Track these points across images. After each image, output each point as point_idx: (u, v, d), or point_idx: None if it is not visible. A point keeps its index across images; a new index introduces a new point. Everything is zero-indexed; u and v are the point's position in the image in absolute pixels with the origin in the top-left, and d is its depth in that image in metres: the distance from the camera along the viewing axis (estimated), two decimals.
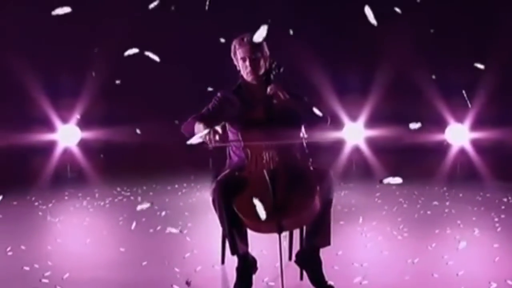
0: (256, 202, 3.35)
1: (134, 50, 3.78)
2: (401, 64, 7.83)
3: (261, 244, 4.31)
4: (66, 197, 6.90)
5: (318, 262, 3.88)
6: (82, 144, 8.17)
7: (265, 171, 3.72)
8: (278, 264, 4.04)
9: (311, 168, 3.88)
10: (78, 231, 5.48)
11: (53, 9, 7.25)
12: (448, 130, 8.19)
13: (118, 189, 7.32)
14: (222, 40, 4.66)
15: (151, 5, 3.91)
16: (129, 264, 4.39)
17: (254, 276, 3.88)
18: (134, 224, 4.59)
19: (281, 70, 4.07)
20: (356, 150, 8.62)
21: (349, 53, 8.16)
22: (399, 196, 7.04)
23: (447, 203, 6.62)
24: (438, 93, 7.90)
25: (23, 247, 4.77)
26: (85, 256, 4.67)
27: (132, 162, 8.09)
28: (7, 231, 5.44)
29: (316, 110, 3.94)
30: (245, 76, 4.00)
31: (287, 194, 3.63)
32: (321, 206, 3.73)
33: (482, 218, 5.95)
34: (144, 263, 4.40)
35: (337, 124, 8.49)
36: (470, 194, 7.09)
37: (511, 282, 3.96)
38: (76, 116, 7.64)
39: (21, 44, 7.26)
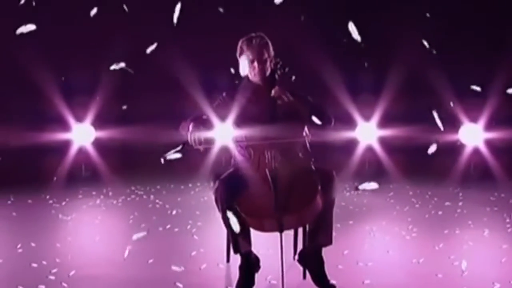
0: (230, 215, 3.39)
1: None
2: (414, 63, 7.78)
3: (266, 243, 4.33)
4: (80, 196, 6.98)
5: (321, 261, 3.90)
6: (97, 143, 8.25)
7: (267, 170, 3.75)
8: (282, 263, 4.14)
9: (313, 167, 3.89)
10: (88, 229, 5.55)
11: (71, 7, 7.38)
12: (462, 130, 8.12)
13: (133, 187, 7.38)
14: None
15: (148, 49, 4.00)
16: (136, 262, 4.43)
17: (257, 275, 3.91)
18: (127, 251, 4.58)
19: (286, 70, 4.09)
20: (369, 149, 8.59)
21: (362, 52, 8.11)
22: (412, 196, 7.01)
23: (460, 204, 6.57)
24: (452, 93, 7.82)
25: (33, 244, 4.85)
26: (93, 253, 4.73)
27: (148, 161, 8.12)
28: (19, 229, 5.54)
29: (320, 111, 3.97)
30: (251, 77, 4.02)
31: (288, 193, 3.66)
32: (323, 206, 3.75)
33: (494, 218, 5.90)
34: (151, 261, 4.45)
35: (350, 123, 8.46)
36: (484, 195, 7.02)
37: None
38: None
39: (36, 43, 7.32)
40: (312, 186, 3.69)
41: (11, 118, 7.51)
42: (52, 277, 4.05)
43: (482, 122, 8.04)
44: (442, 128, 3.62)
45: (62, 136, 7.95)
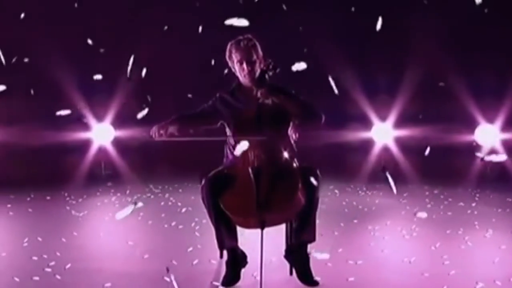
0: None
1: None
2: (430, 63, 7.75)
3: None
4: (98, 193, 7.19)
5: (305, 258, 3.97)
6: (116, 142, 8.46)
7: (250, 169, 3.84)
8: (272, 259, 4.23)
9: (296, 166, 3.95)
10: (96, 225, 5.74)
11: (88, 7, 7.56)
12: (478, 131, 8.04)
13: (151, 186, 7.56)
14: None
15: (139, 115, 4.17)
16: (133, 256, 4.60)
17: (243, 270, 4.00)
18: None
19: (277, 70, 4.15)
20: (385, 150, 8.58)
21: (378, 53, 8.14)
22: (427, 196, 6.99)
23: (473, 205, 6.53)
24: (468, 93, 7.76)
25: (39, 239, 5.05)
26: (94, 248, 4.90)
27: (167, 160, 8.30)
28: (31, 224, 5.76)
29: (309, 109, 4.03)
30: (241, 78, 4.11)
31: (269, 191, 3.73)
32: (306, 203, 3.82)
33: (503, 220, 5.88)
34: (146, 256, 4.58)
35: (366, 124, 8.48)
36: (500, 196, 6.97)
37: (500, 283, 3.93)
38: None
39: (56, 43, 7.56)
40: (292, 184, 3.76)
41: (33, 118, 7.74)
42: (49, 270, 4.22)
43: (498, 122, 7.95)
44: (395, 191, 3.63)
45: (83, 135, 8.18)
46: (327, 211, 6.31)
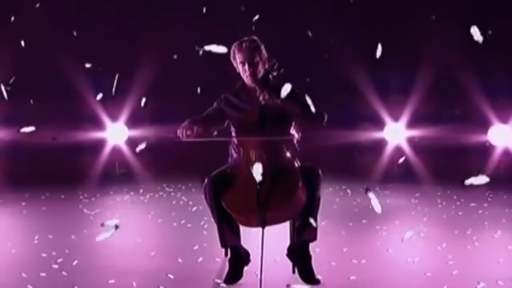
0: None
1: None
2: (444, 63, 7.72)
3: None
4: (111, 192, 7.27)
5: (307, 256, 4.00)
6: (130, 142, 8.55)
7: (251, 168, 3.88)
8: (276, 258, 4.27)
9: (298, 165, 3.99)
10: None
11: (103, 7, 7.66)
12: (491, 131, 7.99)
13: (164, 185, 7.63)
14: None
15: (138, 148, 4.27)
16: (139, 254, 4.67)
17: (246, 268, 4.05)
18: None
19: (282, 71, 4.18)
20: (398, 150, 8.57)
21: (391, 52, 8.11)
22: (439, 197, 6.97)
23: (485, 205, 6.49)
24: (481, 93, 7.72)
25: (50, 236, 5.14)
26: (102, 245, 4.90)
27: (182, 160, 8.36)
28: (43, 222, 5.86)
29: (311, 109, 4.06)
30: (244, 79, 4.15)
31: (270, 191, 3.78)
32: (307, 202, 3.86)
33: None
34: (152, 253, 4.65)
35: (378, 124, 8.47)
36: None
37: (502, 282, 3.93)
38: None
39: (71, 43, 7.65)
40: (293, 183, 3.80)
41: (49, 118, 7.85)
42: (56, 266, 4.30)
43: None
44: (379, 211, 3.64)
45: (97, 135, 8.29)
46: (337, 211, 6.37)
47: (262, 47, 4.13)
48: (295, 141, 4.14)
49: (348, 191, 7.39)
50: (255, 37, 4.15)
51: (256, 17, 3.65)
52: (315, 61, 8.26)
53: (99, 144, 8.43)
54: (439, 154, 8.02)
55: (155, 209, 6.30)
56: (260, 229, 3.74)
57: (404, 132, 8.43)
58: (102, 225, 3.68)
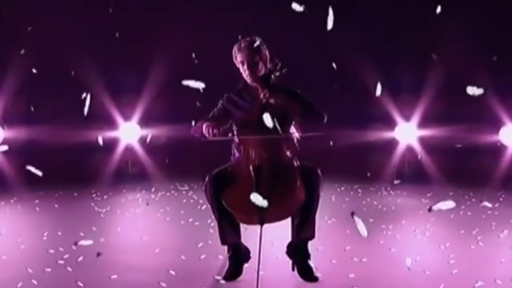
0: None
1: None
2: (455, 63, 7.69)
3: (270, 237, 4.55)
4: (124, 191, 7.38)
5: (306, 254, 4.04)
6: (142, 141, 8.64)
7: (251, 167, 3.94)
8: (278, 255, 4.31)
9: (297, 165, 4.02)
10: (115, 221, 5.89)
11: (117, 7, 7.75)
12: (503, 131, 7.94)
13: (177, 184, 7.71)
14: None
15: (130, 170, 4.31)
16: (144, 251, 4.75)
17: (247, 265, 4.10)
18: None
19: (284, 71, 4.22)
20: (409, 150, 8.57)
21: (402, 52, 8.13)
22: (451, 197, 6.93)
23: (496, 205, 6.46)
24: (493, 93, 7.67)
25: (59, 233, 5.24)
26: (109, 242, 5.03)
27: (197, 159, 8.43)
28: (54, 219, 5.98)
29: (312, 109, 4.10)
30: (245, 78, 4.20)
31: (269, 189, 3.82)
32: (306, 201, 3.91)
33: None
34: (157, 250, 4.72)
35: (389, 123, 8.47)
36: None
37: (501, 282, 3.93)
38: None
39: (83, 42, 7.75)
40: (291, 182, 3.85)
41: (62, 117, 7.98)
42: (61, 262, 4.40)
43: None
44: (365, 235, 3.66)
45: (110, 134, 8.40)
46: (346, 210, 6.39)
47: (264, 47, 4.16)
48: (294, 141, 4.17)
49: (359, 190, 7.41)
50: (256, 38, 4.19)
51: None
52: (327, 62, 8.28)
53: (112, 143, 8.53)
54: (451, 154, 7.99)
55: (165, 207, 6.38)
56: (261, 227, 3.79)
57: (416, 132, 8.41)
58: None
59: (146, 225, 5.70)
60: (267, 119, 3.55)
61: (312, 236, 4.04)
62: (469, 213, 6.15)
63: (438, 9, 4.90)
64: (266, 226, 3.91)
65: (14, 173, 7.83)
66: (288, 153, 4.07)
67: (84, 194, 7.09)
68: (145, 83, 8.33)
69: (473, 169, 7.80)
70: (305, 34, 7.90)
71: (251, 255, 4.17)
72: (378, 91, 4.11)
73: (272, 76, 4.17)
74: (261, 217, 3.78)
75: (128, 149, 8.58)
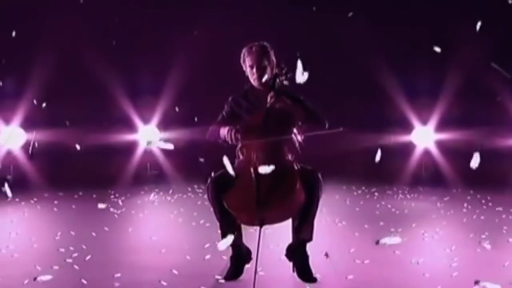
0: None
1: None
2: (472, 66, 7.65)
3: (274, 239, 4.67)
4: (142, 192, 7.51)
5: (304, 256, 4.09)
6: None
7: (251, 169, 4.01)
8: (281, 256, 4.35)
9: (297, 168, 4.07)
10: (128, 221, 6.00)
11: (134, 9, 7.87)
12: None
13: (195, 186, 7.81)
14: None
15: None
16: (150, 250, 4.86)
17: (248, 266, 4.16)
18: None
19: (289, 76, 4.27)
20: (426, 153, 8.53)
21: (419, 56, 8.10)
22: (468, 201, 6.93)
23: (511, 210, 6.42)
24: (511, 96, 7.62)
25: (72, 233, 5.37)
26: (119, 242, 5.17)
27: (214, 161, 8.53)
28: (70, 219, 6.14)
29: (314, 114, 4.15)
30: (252, 81, 4.27)
31: (269, 191, 3.88)
32: (305, 204, 3.96)
33: None
34: (163, 250, 4.82)
35: (406, 127, 8.45)
36: None
37: (500, 285, 3.91)
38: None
39: (102, 46, 7.91)
40: (291, 185, 3.90)
41: (83, 120, 8.15)
42: (70, 260, 4.51)
43: None
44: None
45: (130, 137, 8.55)
46: (358, 213, 6.43)
47: (272, 52, 4.23)
48: (296, 144, 4.22)
49: (376, 194, 7.42)
50: (265, 42, 4.25)
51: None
52: (344, 65, 8.32)
53: (131, 146, 8.67)
54: (469, 157, 7.92)
55: (179, 208, 6.49)
56: (264, 228, 3.82)
57: (433, 135, 8.38)
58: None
59: (157, 226, 5.82)
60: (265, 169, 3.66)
61: (309, 238, 4.08)
62: (482, 217, 6.12)
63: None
64: (271, 228, 3.99)
65: (37, 174, 8.03)
66: (289, 156, 4.13)
67: (103, 195, 7.24)
68: (164, 87, 8.44)
69: (491, 173, 7.72)
70: (323, 37, 7.94)
71: (252, 256, 4.23)
72: (378, 157, 4.25)
73: (277, 80, 4.23)
74: (261, 218, 3.84)
75: (147, 152, 8.72)
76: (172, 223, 5.97)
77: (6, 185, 4.16)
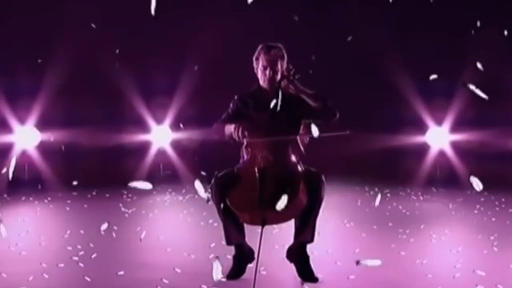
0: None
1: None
2: (488, 65, 7.55)
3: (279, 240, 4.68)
4: (154, 192, 7.54)
5: (305, 257, 4.10)
6: (174, 144, 8.80)
7: (256, 169, 4.03)
8: (284, 256, 4.36)
9: (302, 169, 4.08)
10: (137, 221, 6.02)
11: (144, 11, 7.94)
12: None
13: (208, 186, 7.82)
14: None
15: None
16: (156, 249, 4.90)
17: (250, 265, 4.18)
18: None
19: (297, 77, 4.26)
20: (441, 154, 8.47)
21: (435, 56, 8.05)
22: (481, 202, 6.85)
23: None
24: None
25: (81, 231, 5.43)
26: (125, 241, 5.20)
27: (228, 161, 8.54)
28: (80, 218, 6.18)
29: (325, 107, 4.13)
30: (261, 81, 4.26)
31: (273, 191, 3.89)
32: (308, 206, 3.97)
33: None
34: (169, 249, 4.86)
35: (420, 128, 8.40)
36: None
37: (502, 286, 3.89)
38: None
39: (116, 45, 7.95)
40: (294, 186, 3.91)
41: (96, 121, 8.22)
42: (76, 258, 4.57)
43: None
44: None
45: (142, 137, 8.60)
46: (368, 214, 6.39)
47: (285, 56, 4.23)
48: (301, 145, 4.22)
49: (389, 195, 7.37)
50: (281, 46, 4.25)
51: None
52: (360, 65, 8.30)
53: (144, 146, 8.71)
54: (486, 158, 7.88)
55: (189, 208, 6.52)
56: (266, 227, 3.83)
57: (448, 136, 8.32)
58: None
59: (166, 226, 5.86)
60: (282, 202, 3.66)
61: (310, 240, 4.09)
62: (493, 219, 6.07)
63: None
64: (278, 228, 3.99)
65: (51, 174, 8.11)
66: (293, 157, 4.14)
67: (116, 195, 7.28)
68: (177, 87, 8.47)
69: (508, 174, 7.68)
70: (339, 37, 7.92)
71: (255, 255, 4.23)
72: (377, 201, 4.31)
73: (284, 81, 4.22)
74: (263, 218, 3.85)
75: (160, 152, 8.76)
76: (181, 222, 6.01)
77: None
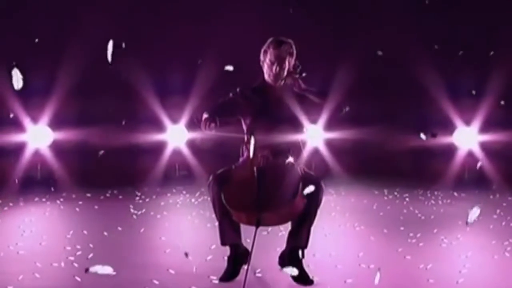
0: None
1: None
2: None
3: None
4: (168, 194, 7.48)
5: (296, 261, 3.93)
6: (189, 143, 8.71)
7: (255, 168, 3.91)
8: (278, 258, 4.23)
9: (301, 173, 3.95)
10: (143, 222, 5.92)
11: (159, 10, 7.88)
12: None
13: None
14: None
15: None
16: (155, 250, 4.82)
17: (245, 266, 4.05)
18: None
19: (303, 75, 4.15)
20: (469, 155, 8.22)
21: (462, 55, 7.82)
22: (503, 207, 6.62)
23: None
24: None
25: (85, 232, 5.37)
26: (127, 242, 5.12)
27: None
28: (87, 219, 6.12)
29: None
30: (266, 76, 4.14)
31: (270, 192, 3.79)
32: (305, 210, 3.85)
33: None
34: (168, 250, 4.76)
35: (448, 128, 8.18)
36: None
37: None
38: None
39: (131, 45, 7.91)
40: (292, 188, 3.79)
41: (110, 120, 8.19)
42: (72, 258, 4.50)
43: None
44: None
45: (157, 137, 8.54)
46: (381, 218, 6.22)
47: (295, 52, 4.11)
48: (302, 148, 4.11)
49: (407, 199, 7.17)
50: (291, 42, 4.12)
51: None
52: (386, 64, 8.12)
53: (160, 146, 8.64)
54: None
55: (199, 210, 6.42)
56: (262, 228, 3.82)
57: (477, 137, 8.09)
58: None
59: (170, 227, 5.76)
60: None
61: (304, 246, 3.94)
62: (511, 224, 5.84)
63: None
64: (285, 230, 3.91)
65: (66, 174, 8.10)
66: (292, 159, 4.03)
67: (129, 196, 7.23)
68: (193, 86, 8.38)
69: None
70: (364, 36, 7.78)
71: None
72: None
73: (290, 78, 4.10)
74: (258, 217, 3.74)
75: (176, 152, 8.67)
76: (187, 224, 5.91)
77: None
